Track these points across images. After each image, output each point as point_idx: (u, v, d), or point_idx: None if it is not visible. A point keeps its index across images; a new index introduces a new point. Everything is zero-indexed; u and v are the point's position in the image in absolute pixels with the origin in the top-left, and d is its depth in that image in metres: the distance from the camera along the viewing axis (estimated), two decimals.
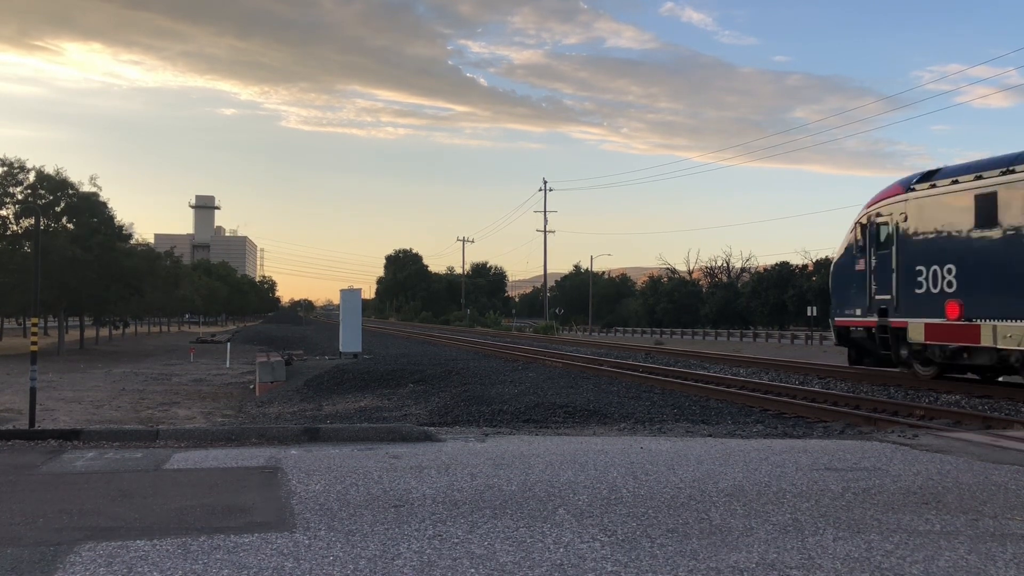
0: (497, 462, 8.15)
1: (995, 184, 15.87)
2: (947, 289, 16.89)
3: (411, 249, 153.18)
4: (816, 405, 14.66)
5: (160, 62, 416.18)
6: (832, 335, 21.68)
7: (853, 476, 7.59)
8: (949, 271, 16.86)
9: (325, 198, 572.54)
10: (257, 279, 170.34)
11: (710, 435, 10.76)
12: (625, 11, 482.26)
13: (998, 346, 15.50)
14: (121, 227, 43.80)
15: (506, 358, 28.12)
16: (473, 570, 4.79)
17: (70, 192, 39.30)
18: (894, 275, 18.17)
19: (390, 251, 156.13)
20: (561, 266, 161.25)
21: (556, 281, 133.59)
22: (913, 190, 18.13)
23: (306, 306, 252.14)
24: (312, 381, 21.01)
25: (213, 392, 22.86)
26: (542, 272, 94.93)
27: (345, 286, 31.26)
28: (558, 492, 6.80)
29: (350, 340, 28.21)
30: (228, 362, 33.19)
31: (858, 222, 19.88)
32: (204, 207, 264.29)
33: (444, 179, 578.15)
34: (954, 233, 16.87)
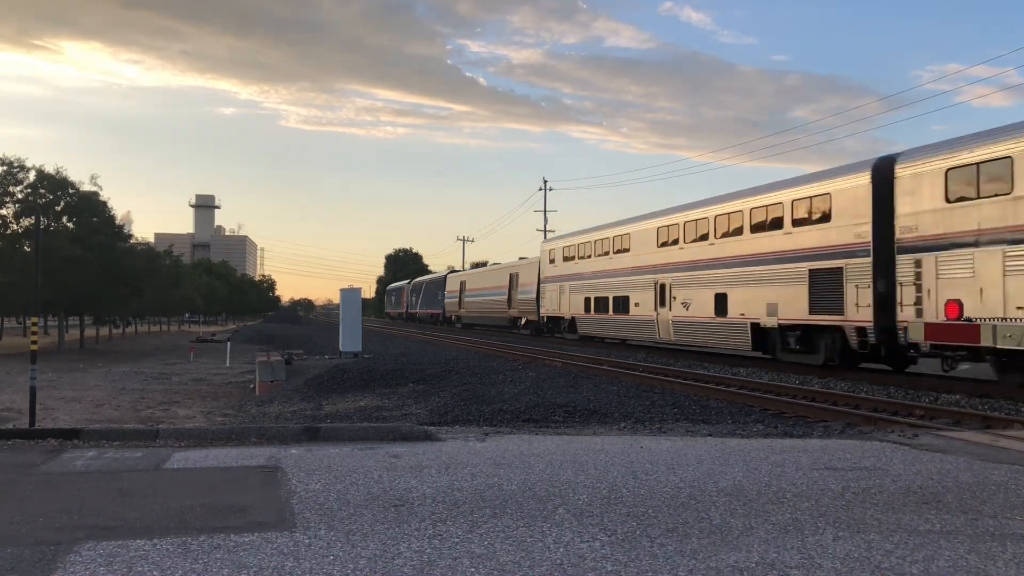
0: (497, 461, 8.15)
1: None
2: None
3: (411, 249, 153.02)
4: (816, 405, 14.66)
5: (159, 61, 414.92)
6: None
7: (853, 476, 7.60)
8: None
9: (325, 198, 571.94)
10: (257, 278, 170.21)
11: (710, 435, 10.76)
12: (624, 10, 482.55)
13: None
14: (122, 227, 43.83)
15: (506, 357, 28.12)
16: (473, 570, 4.79)
17: (70, 191, 39.26)
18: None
19: (390, 251, 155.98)
20: None
21: None
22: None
23: (306, 305, 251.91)
24: (312, 380, 21.01)
25: (213, 391, 22.86)
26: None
27: (345, 286, 31.20)
28: (558, 492, 6.81)
29: (350, 339, 28.17)
30: (228, 361, 33.19)
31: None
32: (204, 206, 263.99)
33: (444, 179, 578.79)
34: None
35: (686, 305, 27.44)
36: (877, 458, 8.59)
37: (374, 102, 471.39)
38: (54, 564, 4.83)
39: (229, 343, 40.25)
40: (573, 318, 38.25)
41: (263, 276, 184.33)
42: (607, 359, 25.56)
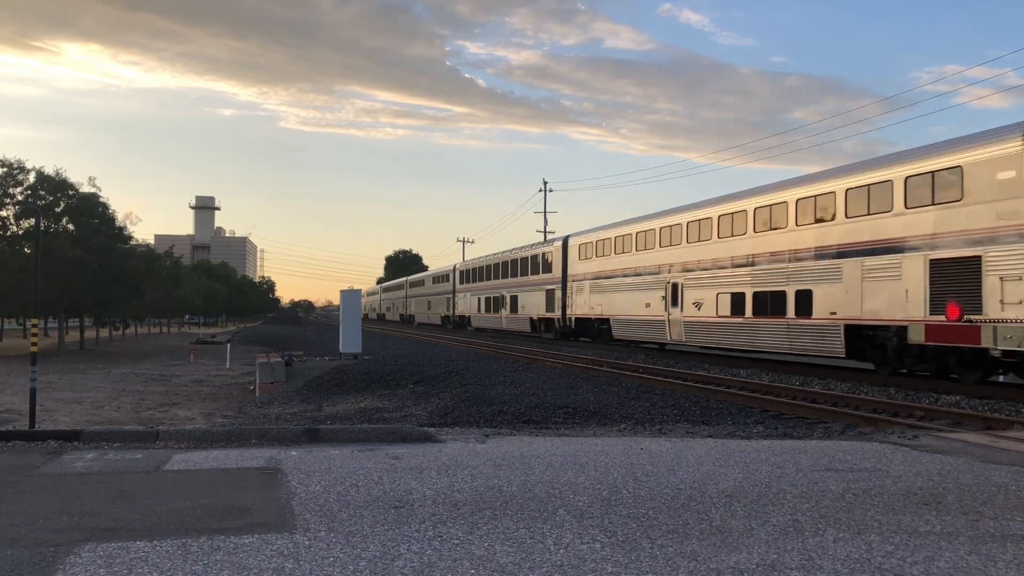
0: (497, 463, 8.15)
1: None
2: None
3: (411, 249, 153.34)
4: (816, 406, 14.65)
5: (159, 63, 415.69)
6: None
7: (853, 477, 7.59)
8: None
9: (325, 198, 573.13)
10: (257, 280, 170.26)
11: (710, 436, 10.75)
12: (623, 12, 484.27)
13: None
14: (122, 228, 43.83)
15: (506, 359, 28.11)
16: (473, 571, 4.78)
17: (70, 193, 39.31)
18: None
19: (390, 251, 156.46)
20: None
21: None
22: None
23: (306, 307, 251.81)
24: (312, 382, 21.00)
25: (213, 393, 22.86)
26: None
27: (345, 286, 31.28)
28: (558, 493, 6.80)
29: (350, 341, 28.17)
30: (228, 363, 33.19)
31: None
32: (204, 208, 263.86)
33: (444, 179, 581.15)
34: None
35: None
36: (877, 459, 8.58)
37: (373, 103, 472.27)
38: (54, 566, 4.83)
39: (229, 344, 40.24)
40: None
41: (263, 277, 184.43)
42: (606, 359, 25.56)
